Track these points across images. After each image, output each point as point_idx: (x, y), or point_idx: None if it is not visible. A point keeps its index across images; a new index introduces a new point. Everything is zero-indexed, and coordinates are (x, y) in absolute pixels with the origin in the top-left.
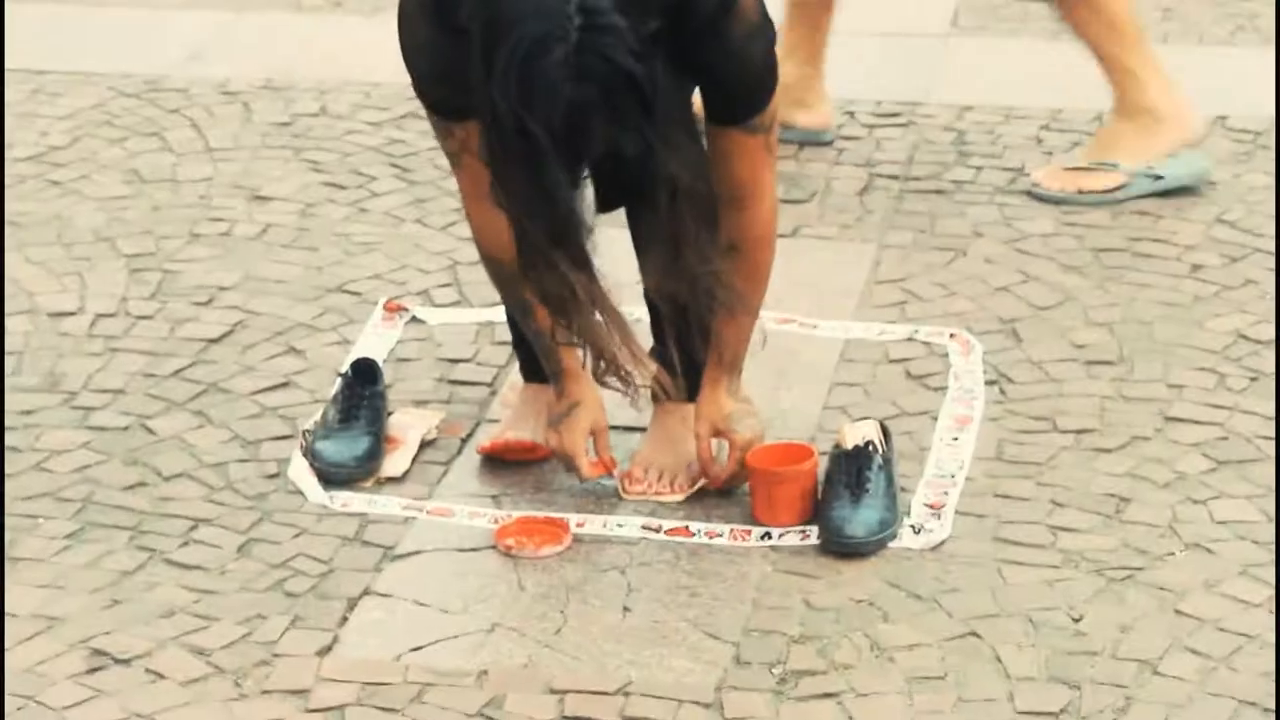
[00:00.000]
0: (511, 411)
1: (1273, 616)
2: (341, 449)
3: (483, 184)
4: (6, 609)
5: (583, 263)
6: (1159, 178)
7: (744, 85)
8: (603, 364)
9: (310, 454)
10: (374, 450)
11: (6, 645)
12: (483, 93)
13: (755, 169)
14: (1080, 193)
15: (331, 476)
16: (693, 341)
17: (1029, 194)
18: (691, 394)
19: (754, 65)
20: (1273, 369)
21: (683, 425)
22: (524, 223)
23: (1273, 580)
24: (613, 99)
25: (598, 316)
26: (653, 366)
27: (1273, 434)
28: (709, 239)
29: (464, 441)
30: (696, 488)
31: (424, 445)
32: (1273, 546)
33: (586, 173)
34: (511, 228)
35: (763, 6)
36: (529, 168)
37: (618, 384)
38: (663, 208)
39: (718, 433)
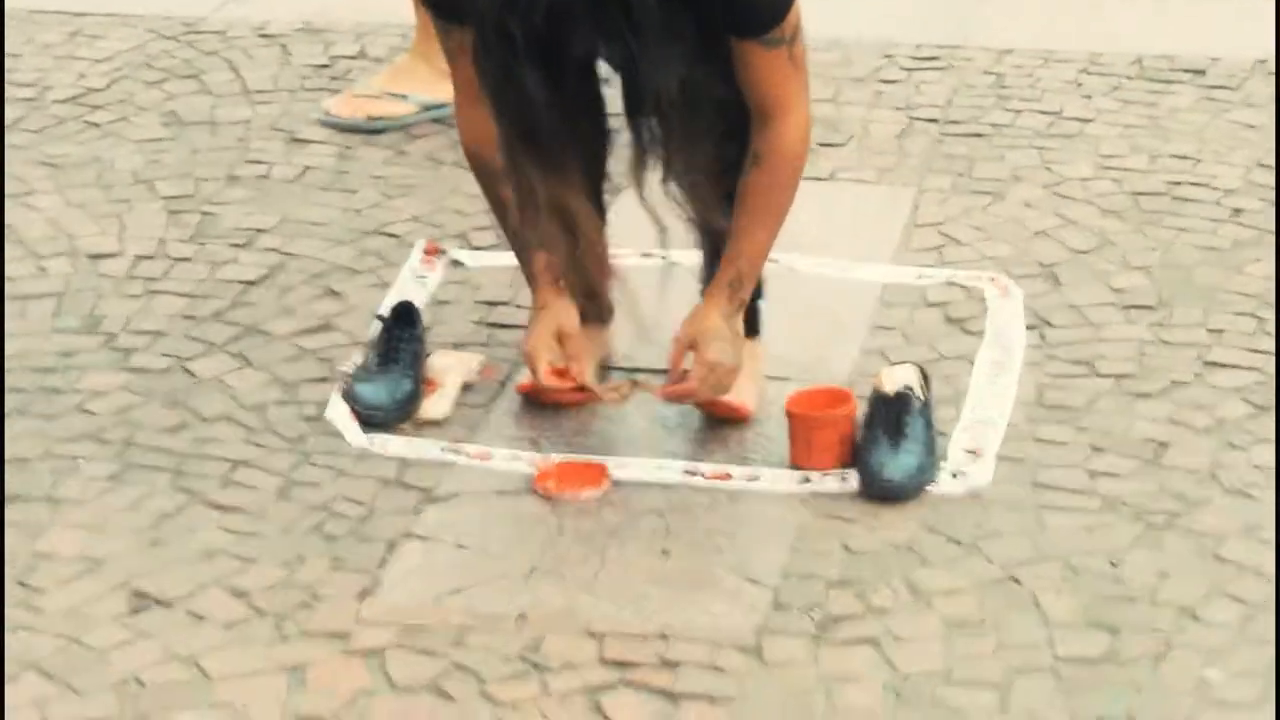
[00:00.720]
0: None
1: None
2: (380, 392)
3: (472, 84)
4: (48, 550)
5: (554, 168)
6: (442, 106)
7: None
8: (568, 274)
9: (350, 397)
10: (413, 393)
11: (49, 586)
12: None
13: (778, 83)
14: (369, 119)
15: (370, 419)
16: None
17: (324, 124)
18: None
19: None
20: None
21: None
22: (500, 121)
23: None
24: (595, 4)
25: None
26: (617, 283)
27: None
28: (703, 155)
29: (503, 384)
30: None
31: (464, 389)
32: None
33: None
34: (497, 126)
35: None
36: (508, 67)
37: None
38: (648, 118)
39: (694, 344)
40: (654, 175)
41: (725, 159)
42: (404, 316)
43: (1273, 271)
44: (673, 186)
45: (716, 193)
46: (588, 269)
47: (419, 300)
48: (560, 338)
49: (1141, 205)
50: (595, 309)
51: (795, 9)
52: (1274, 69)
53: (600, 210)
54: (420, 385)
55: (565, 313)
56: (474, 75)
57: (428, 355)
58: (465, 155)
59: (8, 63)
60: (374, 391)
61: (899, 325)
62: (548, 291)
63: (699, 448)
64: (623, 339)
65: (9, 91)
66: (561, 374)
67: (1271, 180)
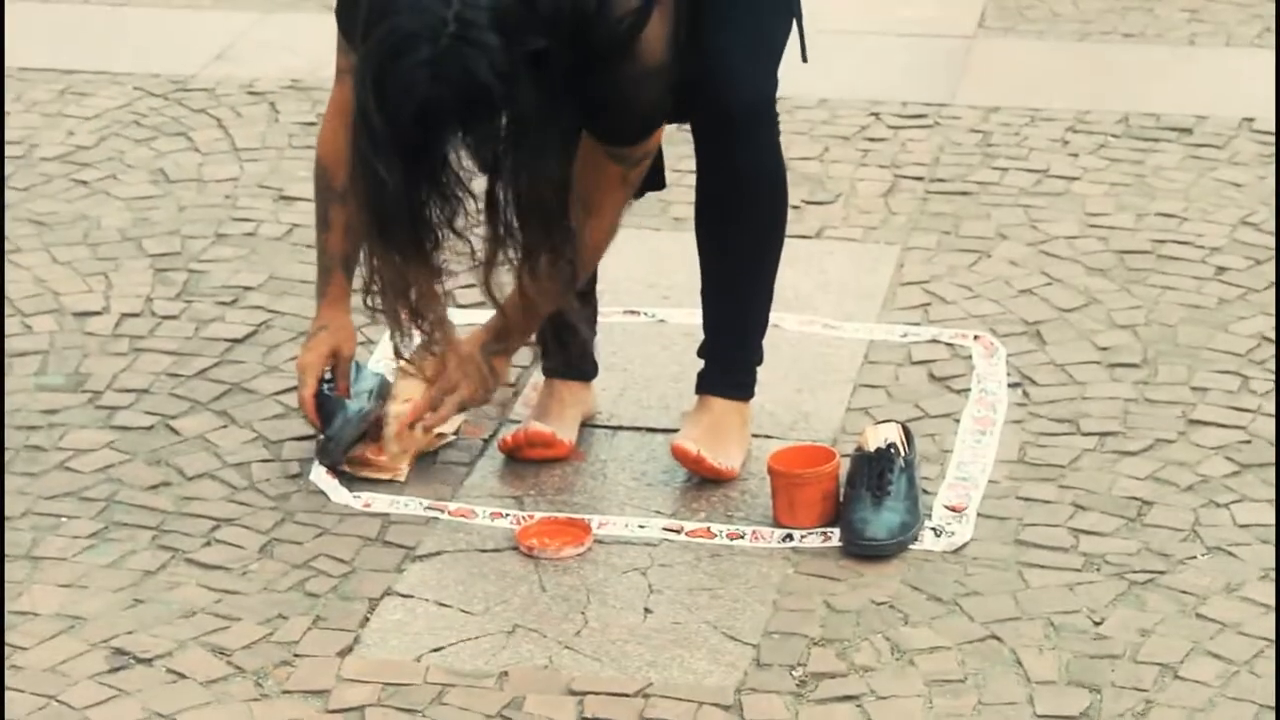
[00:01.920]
0: (533, 408)
1: None
2: (335, 423)
3: (346, 105)
4: (29, 608)
5: (399, 250)
6: None
7: (620, 118)
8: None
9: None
10: (361, 410)
11: (28, 645)
12: (358, 57)
13: (604, 190)
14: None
15: (331, 450)
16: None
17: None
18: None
19: (636, 106)
20: None
21: (733, 415)
22: (354, 200)
23: None
24: (466, 110)
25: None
26: (454, 350)
27: None
28: (565, 247)
29: (486, 442)
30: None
31: (444, 446)
32: None
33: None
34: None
35: (671, 46)
36: (368, 157)
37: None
38: (501, 216)
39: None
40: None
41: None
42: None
43: (1257, 329)
44: (526, 280)
45: (572, 280)
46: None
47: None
48: (334, 358)
49: (1127, 263)
50: (579, 366)
51: (653, 142)
52: (1259, 127)
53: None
54: (380, 402)
55: (347, 337)
56: (348, 96)
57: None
58: (316, 162)
59: None
60: (332, 428)
61: (884, 383)
62: (333, 311)
63: (682, 505)
64: (607, 396)
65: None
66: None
67: (1257, 239)
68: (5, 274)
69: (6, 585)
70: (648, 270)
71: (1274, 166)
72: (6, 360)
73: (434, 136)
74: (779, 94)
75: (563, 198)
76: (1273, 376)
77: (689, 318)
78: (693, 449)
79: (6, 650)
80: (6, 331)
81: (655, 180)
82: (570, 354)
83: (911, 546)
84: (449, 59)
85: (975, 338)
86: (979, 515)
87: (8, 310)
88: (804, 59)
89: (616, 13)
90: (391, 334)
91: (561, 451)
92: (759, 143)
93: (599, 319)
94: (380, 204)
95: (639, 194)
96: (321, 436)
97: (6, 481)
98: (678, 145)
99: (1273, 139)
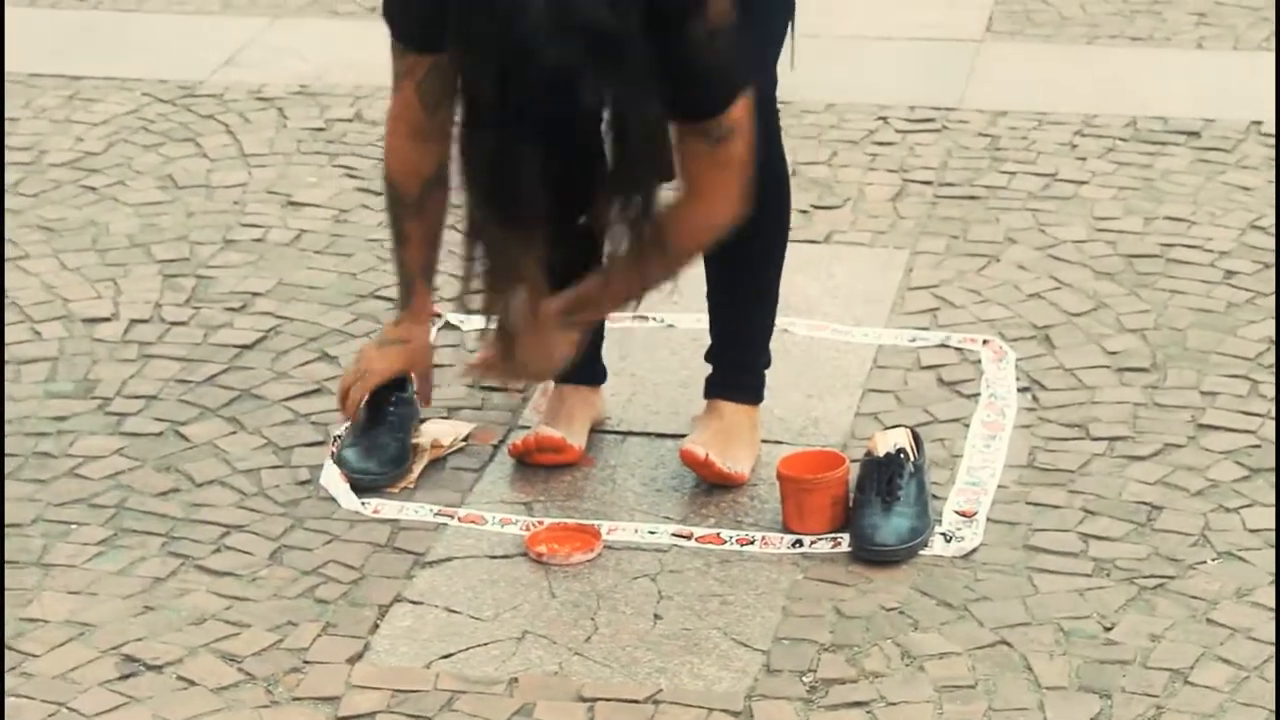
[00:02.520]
0: (542, 414)
1: None
2: (367, 455)
3: (411, 114)
4: (39, 615)
5: (526, 227)
6: None
7: (696, 84)
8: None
9: (338, 460)
10: (400, 456)
11: (39, 652)
12: (459, 51)
13: (697, 170)
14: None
15: (358, 483)
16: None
17: None
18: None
19: (710, 68)
20: None
21: (743, 419)
22: (473, 194)
23: None
24: (595, 54)
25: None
26: (555, 358)
27: None
28: (659, 182)
29: (496, 448)
30: None
31: (454, 452)
32: None
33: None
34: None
35: (735, 6)
36: (504, 147)
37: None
38: (631, 155)
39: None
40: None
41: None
42: (394, 380)
43: (1266, 334)
44: (630, 216)
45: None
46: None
47: None
48: (413, 373)
49: (1135, 268)
50: (588, 370)
51: (737, 112)
52: (1267, 130)
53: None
54: (409, 448)
55: (424, 355)
56: (411, 101)
57: (421, 420)
58: (384, 179)
59: (5, 126)
60: (360, 455)
61: (893, 388)
62: (416, 327)
63: (691, 511)
64: (616, 401)
65: (6, 155)
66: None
67: (1266, 242)
68: (10, 279)
69: (17, 592)
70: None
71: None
72: (17, 368)
73: (570, 94)
74: (786, 98)
75: (667, 152)
76: None
77: (697, 322)
78: (702, 453)
79: (17, 658)
80: (17, 339)
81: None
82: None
83: (921, 552)
84: (563, 10)
85: (984, 342)
86: (988, 520)
87: (17, 317)
88: (791, 66)
89: None
90: (416, 294)
91: (572, 457)
92: (760, 141)
93: (607, 323)
94: (514, 186)
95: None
96: (335, 444)
97: (17, 489)
98: None
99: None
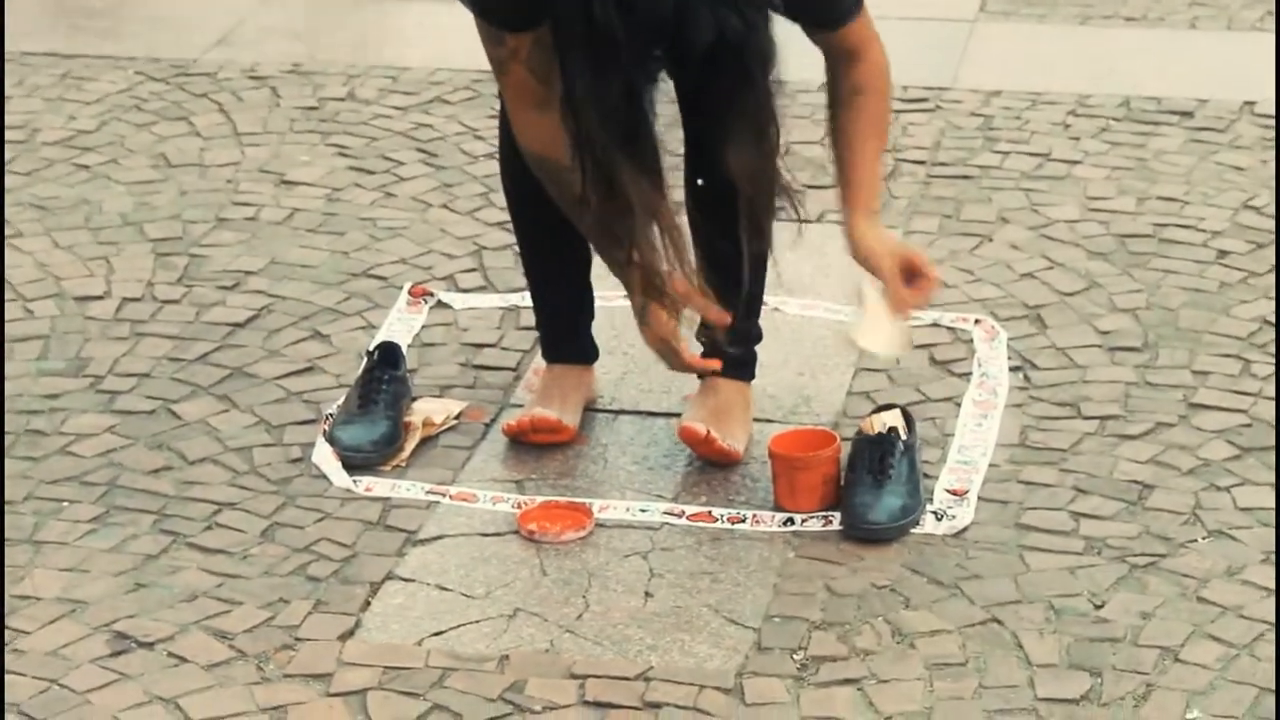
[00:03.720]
0: (536, 394)
1: None
2: (359, 433)
3: (528, 91)
4: (31, 592)
5: (649, 169)
6: None
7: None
8: (650, 278)
9: (330, 438)
10: (392, 435)
11: (30, 629)
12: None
13: (858, 37)
14: None
15: (350, 461)
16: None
17: None
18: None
19: None
20: None
21: (737, 397)
22: (592, 125)
23: None
24: None
25: (653, 232)
26: (699, 283)
27: None
28: (778, 130)
29: (488, 427)
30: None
31: (445, 430)
32: None
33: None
34: (572, 134)
35: None
36: (613, 66)
37: (662, 300)
38: (758, 85)
39: (913, 264)
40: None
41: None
42: (386, 357)
43: (1258, 313)
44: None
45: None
46: (676, 267)
47: (404, 343)
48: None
49: (1128, 247)
50: (579, 348)
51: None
52: (1260, 110)
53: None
54: (400, 427)
55: (669, 326)
56: (526, 82)
57: (413, 399)
58: (529, 161)
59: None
60: (352, 433)
61: (885, 367)
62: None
63: (683, 489)
64: (608, 379)
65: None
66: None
67: (1258, 222)
68: (6, 259)
69: (9, 569)
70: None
71: (1275, 150)
72: (10, 345)
73: (691, 13)
74: (781, 78)
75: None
76: (1274, 360)
77: None
78: (703, 430)
79: (9, 635)
80: (9, 317)
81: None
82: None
83: (912, 530)
84: None
85: (976, 321)
86: (980, 499)
87: (10, 295)
88: None
89: None
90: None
91: (567, 436)
92: None
93: (597, 303)
94: (634, 128)
95: None
96: (327, 422)
97: (9, 466)
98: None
99: (1274, 122)
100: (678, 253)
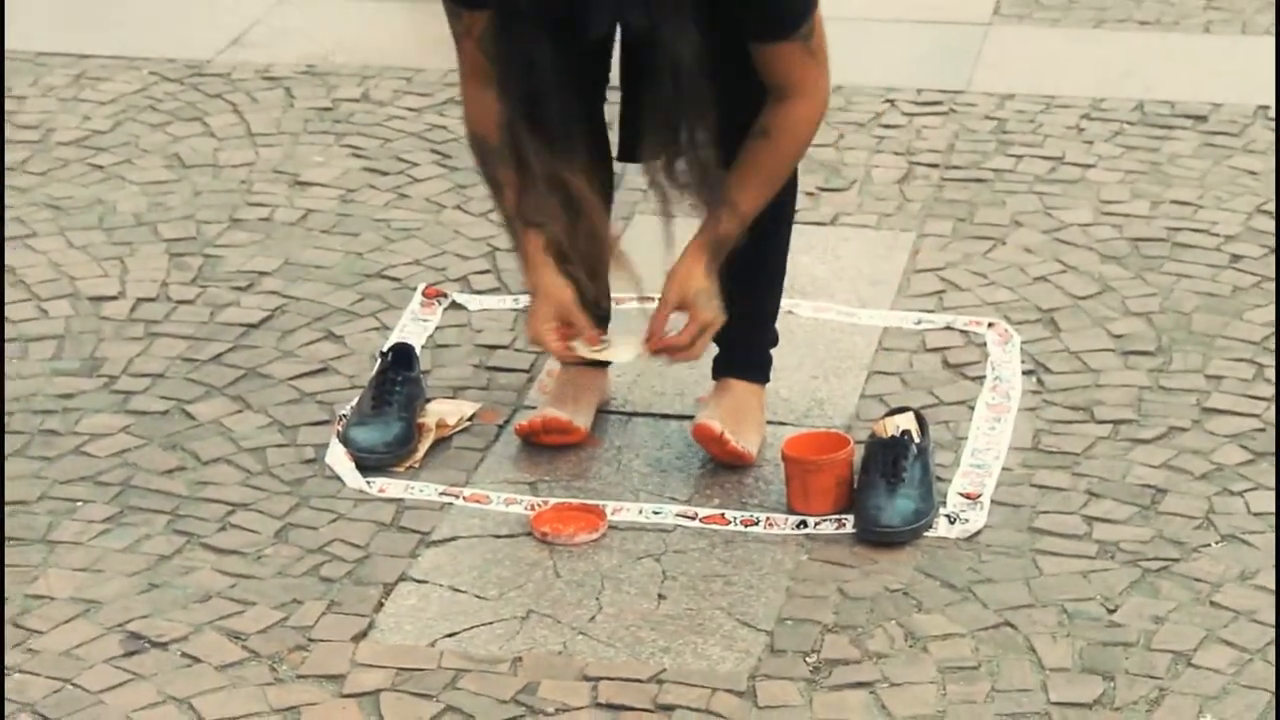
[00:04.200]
0: (549, 395)
1: None
2: (373, 434)
3: (479, 68)
4: (45, 592)
5: (557, 146)
6: None
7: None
8: (566, 252)
9: (344, 439)
10: (406, 436)
11: (44, 629)
12: None
13: (794, 71)
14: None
15: (363, 462)
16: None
17: None
18: (750, 371)
19: None
20: None
21: (751, 399)
22: (507, 99)
23: None
24: None
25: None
26: (618, 263)
27: None
28: (703, 129)
29: (501, 428)
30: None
31: (459, 432)
32: None
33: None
34: (502, 105)
35: None
36: (522, 46)
37: (578, 274)
38: (665, 87)
39: (684, 305)
40: (657, 154)
41: (730, 132)
42: (400, 359)
43: (1271, 318)
44: (680, 164)
45: (720, 167)
46: (587, 249)
47: (419, 344)
48: (561, 316)
49: (1141, 251)
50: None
51: (815, 12)
52: (1274, 115)
53: (604, 190)
54: (414, 428)
55: (560, 291)
56: (476, 58)
57: (426, 400)
58: (468, 136)
59: (13, 105)
60: (366, 434)
61: (898, 370)
62: (541, 273)
63: (696, 491)
64: (622, 382)
65: (14, 134)
66: (569, 337)
67: (1272, 227)
68: (17, 257)
69: (23, 569)
70: (662, 256)
71: None
72: (24, 345)
73: (586, 7)
74: None
75: (704, 75)
76: None
77: None
78: (718, 428)
79: (23, 634)
80: (23, 316)
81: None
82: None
83: (925, 533)
84: None
85: (990, 325)
86: (993, 502)
87: (24, 295)
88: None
89: None
90: (529, 245)
91: (578, 438)
92: None
93: (613, 306)
94: (538, 91)
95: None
96: (341, 422)
97: (23, 466)
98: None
99: None
100: (587, 236)
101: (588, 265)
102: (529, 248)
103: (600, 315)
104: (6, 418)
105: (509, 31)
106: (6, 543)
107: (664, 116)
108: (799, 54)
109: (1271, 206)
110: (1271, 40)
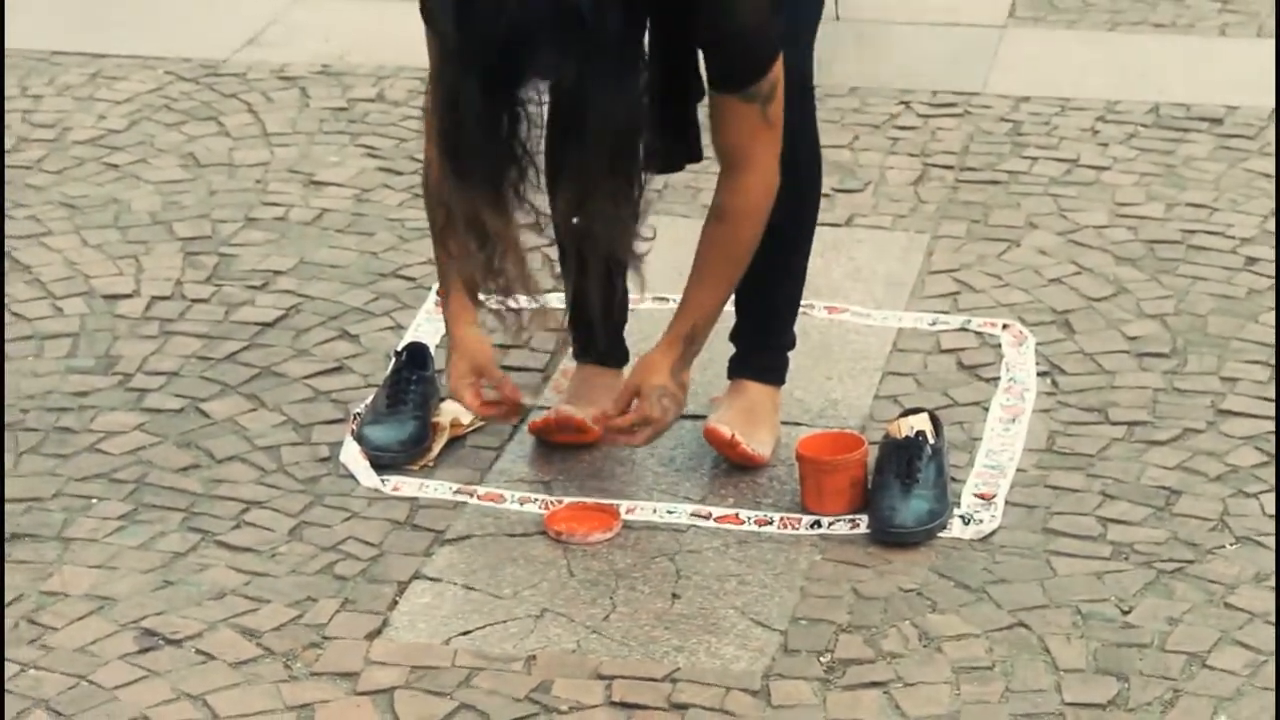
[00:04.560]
0: (564, 394)
1: None
2: (387, 433)
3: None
4: (59, 589)
5: (471, 183)
6: None
7: (735, 49)
8: (490, 283)
9: (358, 438)
10: (420, 435)
11: (59, 625)
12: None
13: (748, 136)
14: None
15: (378, 460)
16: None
17: None
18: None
19: (744, 28)
20: None
21: (766, 400)
22: (436, 136)
23: None
24: (552, 26)
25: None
26: (542, 296)
27: None
28: (625, 191)
29: (515, 428)
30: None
31: (473, 431)
32: None
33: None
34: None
35: None
36: (455, 82)
37: (500, 308)
38: (585, 144)
39: (639, 393)
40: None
41: (635, 200)
42: (414, 358)
43: None
44: (583, 218)
45: (628, 232)
46: (507, 288)
47: (433, 343)
48: (478, 372)
49: (1156, 253)
50: (611, 351)
51: (776, 68)
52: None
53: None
54: (428, 427)
55: (477, 346)
56: None
57: (441, 399)
58: (423, 183)
59: (29, 104)
60: (381, 433)
61: (912, 371)
62: (459, 327)
63: (710, 491)
64: None
65: (30, 133)
66: (494, 404)
67: None
68: (32, 255)
69: (38, 566)
70: (677, 257)
71: None
72: (40, 343)
73: (517, 54)
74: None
75: (634, 140)
76: None
77: None
78: (728, 432)
79: (38, 630)
80: (39, 314)
81: (691, 152)
82: (598, 339)
83: (940, 534)
84: None
85: (1004, 326)
86: (1007, 503)
87: (39, 293)
88: (836, 16)
89: None
90: (453, 299)
91: (592, 437)
92: (795, 123)
93: (630, 305)
94: (459, 134)
95: (674, 167)
96: (355, 421)
97: (38, 464)
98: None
99: None
100: (511, 275)
101: (510, 290)
102: (453, 300)
103: (613, 326)
104: (22, 415)
105: (442, 67)
106: (22, 540)
107: (581, 177)
108: (754, 120)
109: None
110: None
